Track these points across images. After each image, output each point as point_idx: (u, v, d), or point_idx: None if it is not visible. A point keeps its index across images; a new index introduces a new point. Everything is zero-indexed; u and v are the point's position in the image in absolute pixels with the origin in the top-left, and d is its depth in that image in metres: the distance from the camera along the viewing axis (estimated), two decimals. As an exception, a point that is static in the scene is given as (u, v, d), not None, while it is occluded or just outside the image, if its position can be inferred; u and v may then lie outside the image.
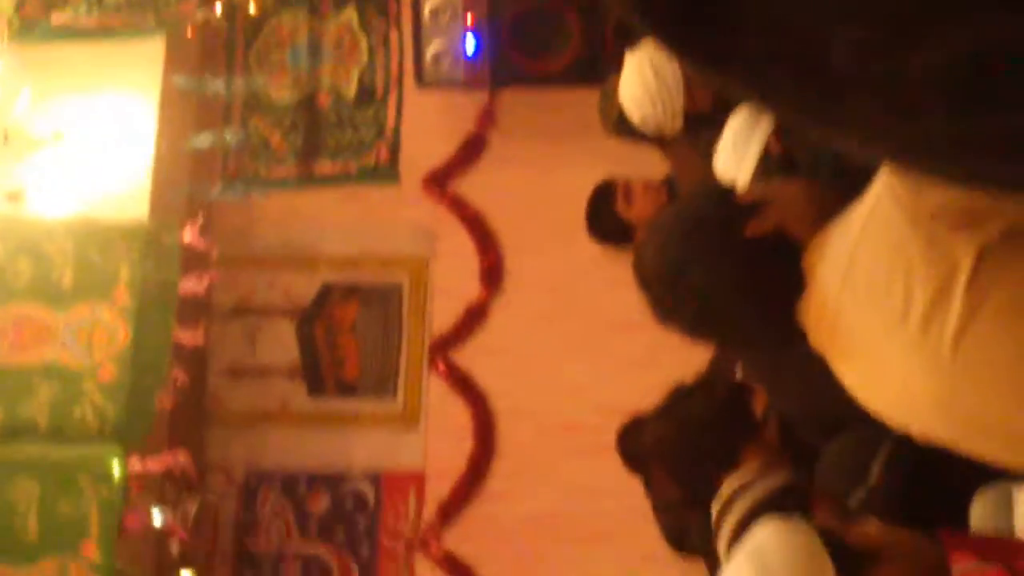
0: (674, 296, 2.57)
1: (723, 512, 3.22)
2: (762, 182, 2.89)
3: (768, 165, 3.77)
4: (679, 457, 3.65)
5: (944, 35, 1.21)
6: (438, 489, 6.03)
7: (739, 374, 4.40)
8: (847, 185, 2.32)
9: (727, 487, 3.27)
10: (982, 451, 2.22)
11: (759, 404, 3.77)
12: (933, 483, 3.27)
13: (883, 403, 2.30)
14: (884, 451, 3.39)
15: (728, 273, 2.38)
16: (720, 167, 3.89)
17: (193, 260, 5.65)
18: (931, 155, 1.40)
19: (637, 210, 5.03)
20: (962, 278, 1.98)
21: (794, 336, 2.38)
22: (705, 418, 3.56)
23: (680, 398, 3.66)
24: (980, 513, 3.20)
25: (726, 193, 2.55)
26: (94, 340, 5.29)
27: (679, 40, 1.33)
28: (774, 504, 2.97)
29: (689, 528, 4.61)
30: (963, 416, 2.13)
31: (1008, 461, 2.24)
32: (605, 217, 5.34)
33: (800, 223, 2.36)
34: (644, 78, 4.37)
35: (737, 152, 3.84)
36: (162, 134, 5.73)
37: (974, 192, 2.00)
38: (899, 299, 2.06)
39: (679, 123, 4.20)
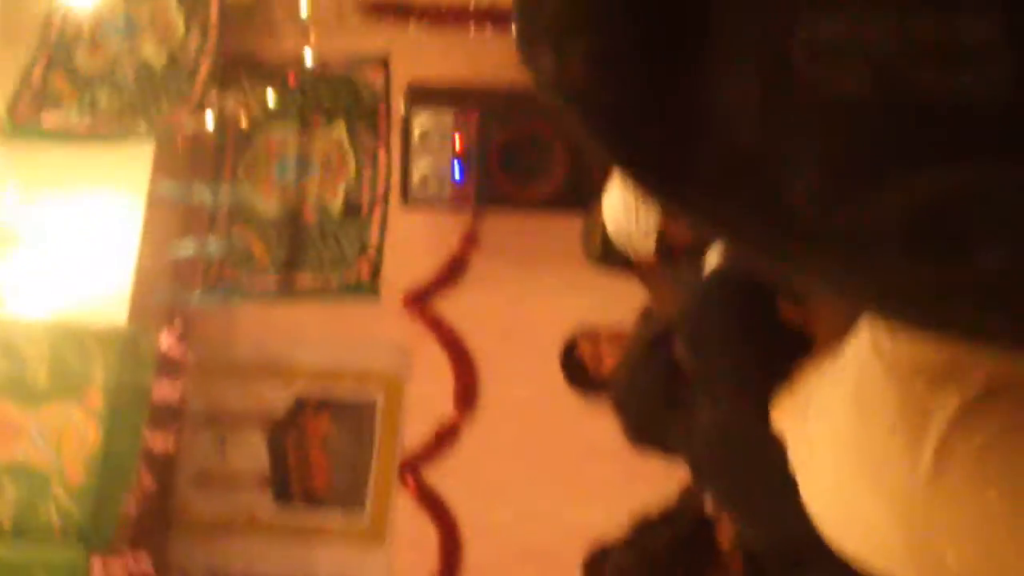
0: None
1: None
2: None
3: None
4: None
5: (903, 183, 1.22)
6: (402, 607, 5.99)
7: (708, 505, 4.40)
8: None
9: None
10: None
11: (725, 537, 3.76)
12: None
13: (847, 538, 2.30)
14: None
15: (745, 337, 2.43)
16: None
17: (168, 366, 5.64)
18: (896, 304, 1.41)
19: (608, 365, 5.08)
20: (933, 433, 1.98)
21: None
22: (668, 550, 3.54)
23: (644, 529, 3.65)
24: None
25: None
26: (64, 441, 5.27)
27: (628, 155, 1.33)
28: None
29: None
30: (927, 562, 2.13)
31: None
32: (579, 376, 5.43)
33: (827, 330, 2.39)
34: (624, 187, 4.40)
35: None
36: (146, 239, 5.74)
37: (954, 343, 2.01)
38: (870, 444, 2.07)
39: (651, 243, 4.21)
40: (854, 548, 2.27)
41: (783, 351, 2.41)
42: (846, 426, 2.11)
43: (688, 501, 4.58)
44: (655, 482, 4.78)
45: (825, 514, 2.29)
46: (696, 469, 3.39)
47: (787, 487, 2.52)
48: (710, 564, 3.55)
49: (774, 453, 2.37)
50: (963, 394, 1.97)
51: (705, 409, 3.04)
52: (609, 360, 5.07)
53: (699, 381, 2.91)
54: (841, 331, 2.27)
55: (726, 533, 3.71)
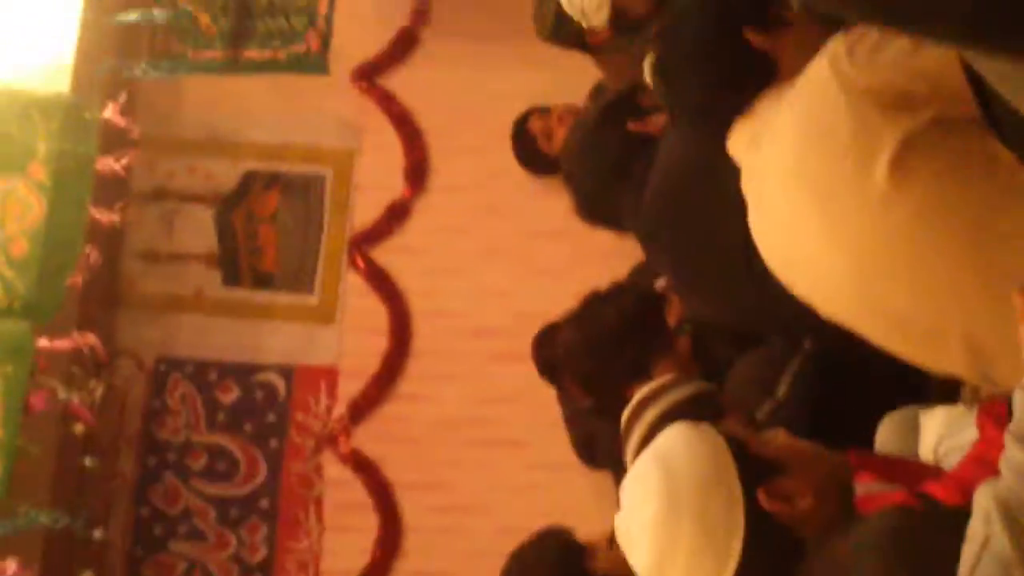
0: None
1: (632, 419, 3.21)
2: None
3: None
4: (587, 366, 3.65)
5: None
6: (350, 387, 6.00)
7: (660, 284, 4.39)
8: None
9: (638, 395, 3.26)
10: (875, 334, 2.21)
11: (674, 315, 3.76)
12: (839, 402, 3.28)
13: (791, 267, 2.28)
14: (792, 367, 3.40)
15: (714, 50, 2.43)
16: None
17: (113, 139, 5.55)
18: None
19: (559, 142, 5.04)
20: (884, 159, 1.96)
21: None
22: (614, 327, 3.55)
23: (591, 306, 3.66)
24: (886, 435, 3.22)
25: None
26: (7, 213, 5.19)
27: None
28: (684, 412, 2.96)
29: (598, 439, 4.62)
30: (862, 292, 2.12)
31: (895, 348, 2.23)
32: (530, 153, 5.40)
33: (790, 64, 2.36)
34: None
35: None
36: (88, 6, 5.61)
37: (915, 76, 1.98)
38: (821, 166, 2.04)
39: (604, 15, 4.12)
40: (802, 286, 2.25)
41: (748, 73, 2.39)
42: (798, 151, 2.09)
43: (637, 279, 4.58)
44: (607, 261, 4.79)
45: (775, 250, 2.27)
46: (647, 238, 3.37)
47: (738, 253, 2.50)
48: (657, 341, 3.55)
49: (728, 192, 2.34)
50: (915, 120, 1.96)
51: (660, 167, 3.01)
52: (560, 137, 5.03)
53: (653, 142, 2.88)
54: (804, 63, 2.25)
55: (675, 310, 3.71)
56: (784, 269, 2.26)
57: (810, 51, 2.24)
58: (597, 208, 3.51)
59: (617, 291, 3.72)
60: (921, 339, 2.14)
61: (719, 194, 2.53)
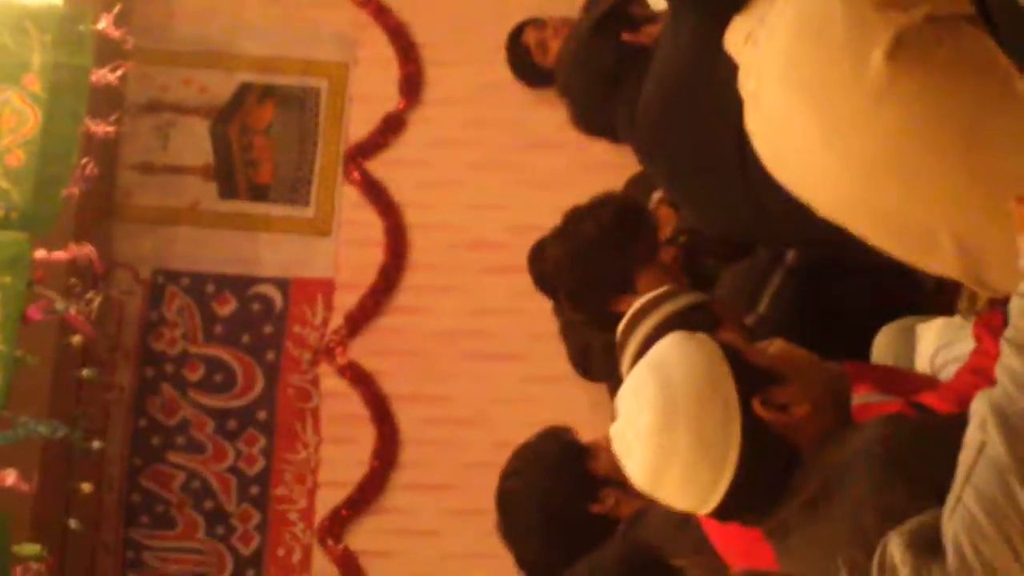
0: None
1: (628, 329, 3.23)
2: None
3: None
4: (571, 280, 3.67)
5: None
6: (346, 299, 6.01)
7: (656, 195, 4.39)
8: None
9: (634, 305, 3.27)
10: (868, 232, 2.20)
11: (667, 226, 3.77)
12: (819, 319, 3.29)
13: (784, 165, 2.28)
14: (773, 283, 3.42)
15: None
16: None
17: (108, 51, 5.52)
18: None
19: (554, 54, 5.02)
20: (879, 55, 1.96)
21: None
22: (594, 241, 3.57)
23: (572, 221, 3.67)
24: (883, 346, 3.24)
25: None
26: (2, 125, 5.17)
27: None
28: (680, 322, 2.97)
29: (592, 351, 4.64)
30: (854, 190, 2.12)
31: (885, 245, 2.22)
32: (525, 65, 5.39)
33: None
34: None
35: None
36: (82, -86, 5.56)
37: None
38: (815, 63, 2.04)
39: None
40: (796, 184, 2.25)
41: None
42: (792, 48, 2.08)
43: (633, 190, 4.59)
44: (603, 172, 4.78)
45: (769, 148, 2.26)
46: (643, 149, 3.36)
47: (733, 162, 2.50)
48: (639, 252, 3.56)
49: (724, 98, 2.33)
50: (909, 16, 1.95)
51: (654, 76, 2.99)
52: (555, 48, 5.01)
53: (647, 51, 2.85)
54: None
55: (668, 221, 3.72)
56: (778, 167, 2.26)
57: None
58: (592, 119, 3.50)
59: (596, 204, 3.73)
60: (914, 238, 2.13)
61: (714, 101, 2.52)
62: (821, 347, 2.40)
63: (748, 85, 2.23)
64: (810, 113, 2.08)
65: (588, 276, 3.59)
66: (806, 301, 3.48)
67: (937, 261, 2.14)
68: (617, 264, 3.54)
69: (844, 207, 2.17)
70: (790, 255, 3.63)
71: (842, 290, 3.46)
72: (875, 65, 1.97)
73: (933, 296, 3.34)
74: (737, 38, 2.28)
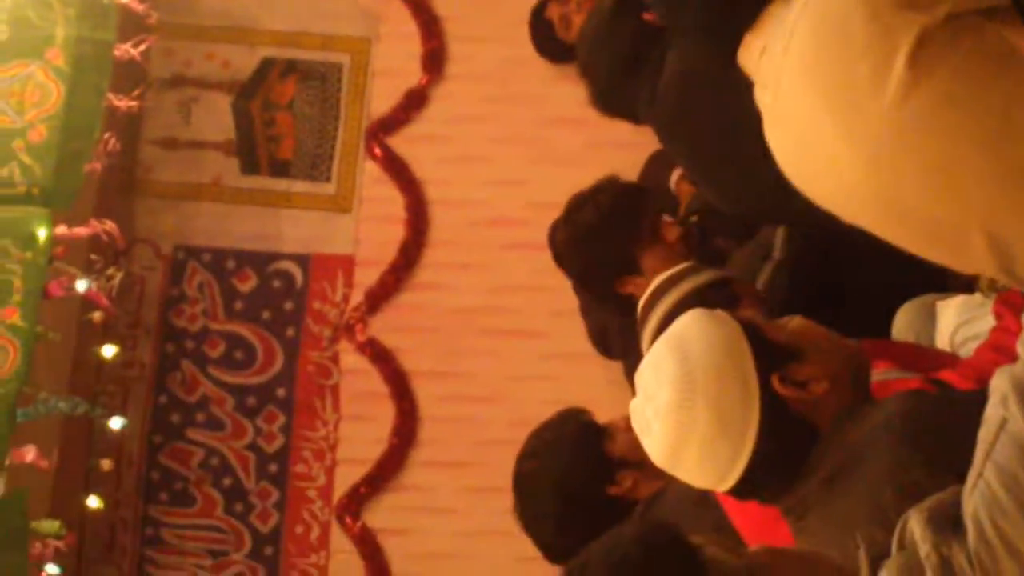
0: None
1: (648, 306, 3.22)
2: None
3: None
4: (576, 264, 3.70)
5: None
6: (367, 275, 6.00)
7: (676, 176, 4.39)
8: None
9: (654, 282, 3.27)
10: (899, 236, 2.20)
11: (682, 206, 3.77)
12: (836, 257, 3.27)
13: (809, 178, 2.27)
14: (783, 230, 3.42)
15: None
16: None
17: (131, 25, 5.52)
18: None
19: (576, 30, 5.00)
20: (901, 57, 1.95)
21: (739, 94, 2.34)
22: (593, 225, 3.60)
23: (573, 206, 3.70)
24: (903, 323, 3.23)
25: None
26: (25, 99, 5.18)
27: None
28: (700, 300, 2.96)
29: (609, 330, 4.63)
30: (883, 195, 2.11)
31: (918, 249, 2.22)
32: (547, 40, 5.37)
33: None
34: None
35: None
36: None
37: None
38: (836, 71, 2.02)
39: None
40: (822, 194, 2.24)
41: None
42: (812, 55, 2.06)
43: (654, 168, 4.58)
44: (623, 149, 4.77)
45: (791, 160, 2.25)
46: (663, 128, 3.36)
47: (756, 138, 2.48)
48: (639, 233, 3.57)
49: (740, 102, 2.32)
50: (930, 16, 1.94)
51: (674, 61, 2.98)
52: (578, 24, 5.00)
53: (669, 31, 2.83)
54: None
55: (687, 196, 3.71)
56: (802, 179, 2.25)
57: None
58: (612, 100, 3.50)
59: (595, 189, 3.75)
60: (946, 238, 2.12)
61: (736, 80, 2.50)
62: (836, 326, 2.38)
63: (765, 98, 2.22)
64: (833, 120, 2.07)
65: (591, 260, 3.62)
66: (821, 241, 3.46)
67: (969, 259, 2.13)
68: (619, 247, 3.56)
69: (873, 213, 2.16)
70: (776, 249, 3.62)
71: (840, 275, 3.44)
72: (898, 69, 1.96)
73: (952, 274, 3.33)
74: (751, 54, 2.26)
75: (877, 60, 1.96)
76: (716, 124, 2.81)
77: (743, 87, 2.33)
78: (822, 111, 2.06)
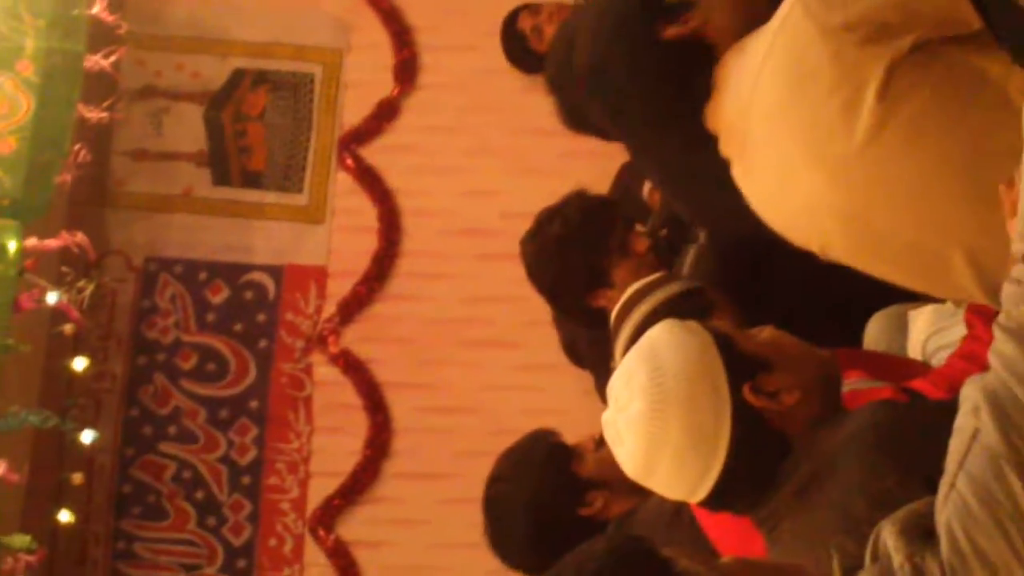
0: (589, 96, 2.54)
1: (621, 316, 3.21)
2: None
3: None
4: (545, 278, 3.68)
5: None
6: (340, 286, 5.99)
7: (648, 185, 4.38)
8: None
9: (627, 292, 3.26)
10: (878, 268, 2.21)
11: (653, 218, 3.76)
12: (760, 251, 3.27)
13: (786, 218, 2.28)
14: (690, 256, 3.43)
15: (645, 74, 2.35)
16: None
17: (101, 36, 5.50)
18: None
19: (548, 40, 4.99)
20: (871, 92, 1.96)
21: (705, 138, 2.35)
22: (561, 238, 3.58)
23: (541, 221, 3.69)
24: (874, 332, 3.23)
25: None
26: (-6, 111, 5.16)
27: None
28: (673, 309, 2.95)
29: (579, 342, 4.63)
30: (861, 229, 2.12)
31: (902, 280, 2.23)
32: (520, 50, 5.37)
33: (721, 30, 2.33)
34: None
35: None
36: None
37: (884, 6, 1.98)
38: (806, 111, 2.04)
39: None
40: (800, 235, 2.25)
41: (690, 65, 2.34)
42: (782, 99, 2.07)
43: (625, 178, 4.57)
44: (596, 159, 4.76)
45: (769, 204, 2.26)
46: (634, 149, 3.35)
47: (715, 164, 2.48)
48: (608, 246, 3.56)
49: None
50: (895, 49, 1.95)
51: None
52: (550, 34, 4.99)
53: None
54: (738, 27, 2.24)
55: (656, 200, 3.70)
56: (780, 221, 2.25)
57: (734, 11, 2.25)
58: (581, 118, 3.49)
59: (563, 203, 3.73)
60: (928, 266, 2.13)
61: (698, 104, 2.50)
62: (805, 334, 2.38)
63: (733, 145, 2.23)
64: (808, 161, 2.07)
65: (560, 274, 3.61)
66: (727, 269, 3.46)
67: (951, 283, 2.14)
68: (588, 260, 3.54)
69: (853, 247, 2.17)
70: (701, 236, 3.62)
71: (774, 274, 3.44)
72: (868, 105, 1.96)
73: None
74: (717, 113, 2.27)
75: (846, 97, 1.98)
76: (687, 155, 2.80)
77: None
78: (797, 155, 2.07)
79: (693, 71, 2.30)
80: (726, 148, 2.29)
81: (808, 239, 2.26)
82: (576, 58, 2.53)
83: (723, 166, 2.42)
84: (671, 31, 2.33)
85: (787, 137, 2.10)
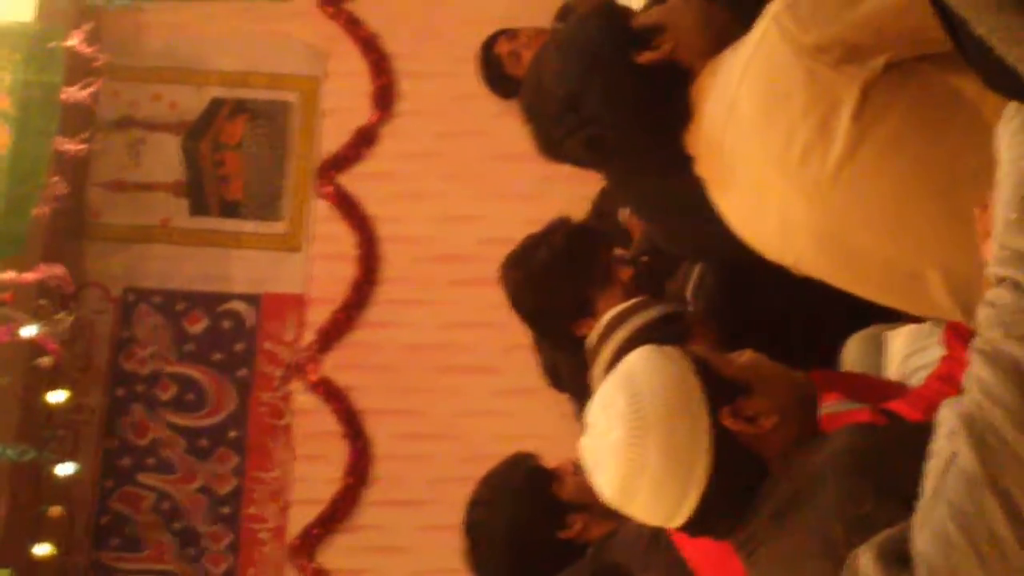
0: (565, 125, 2.54)
1: (600, 341, 3.20)
2: (657, 5, 2.84)
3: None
4: (529, 306, 3.66)
5: None
6: (318, 314, 5.98)
7: (624, 213, 4.37)
8: (744, 11, 2.29)
9: (606, 316, 3.25)
10: (854, 286, 2.21)
11: (633, 246, 3.75)
12: (750, 300, 3.27)
13: (762, 235, 2.28)
14: (695, 276, 3.43)
15: (623, 101, 2.36)
16: None
17: (78, 68, 5.50)
18: None
19: (526, 66, 4.99)
20: (846, 112, 1.96)
21: (683, 162, 2.35)
22: (547, 265, 3.56)
23: (526, 247, 3.67)
24: (852, 354, 3.23)
25: (620, 18, 2.51)
26: (-29, 143, 5.15)
27: None
28: (652, 334, 2.94)
29: (560, 368, 4.62)
30: (837, 248, 2.12)
31: (879, 297, 2.24)
32: (497, 76, 5.36)
33: (693, 52, 2.34)
34: None
35: None
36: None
37: (857, 28, 1.99)
38: (781, 131, 2.04)
39: None
40: (779, 253, 2.25)
41: (668, 88, 2.35)
42: (757, 120, 2.08)
43: (603, 204, 4.57)
44: (574, 184, 4.76)
45: (744, 222, 2.27)
46: (611, 179, 3.35)
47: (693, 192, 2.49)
48: (594, 275, 3.55)
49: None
50: (869, 69, 1.96)
51: None
52: (528, 59, 4.98)
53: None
54: (710, 46, 2.25)
55: (639, 231, 3.69)
56: (757, 240, 2.26)
57: (696, 22, 2.27)
58: (557, 148, 3.48)
59: (548, 230, 3.71)
60: (905, 286, 2.14)
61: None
62: (783, 355, 2.38)
63: (711, 167, 2.24)
64: (784, 181, 2.08)
65: (544, 303, 3.58)
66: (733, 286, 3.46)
67: (930, 302, 2.14)
68: (573, 289, 3.52)
69: (831, 266, 2.17)
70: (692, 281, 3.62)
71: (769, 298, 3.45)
72: (844, 125, 1.97)
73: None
74: (696, 145, 2.27)
75: (821, 117, 1.99)
76: (663, 185, 2.80)
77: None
78: (770, 173, 2.08)
79: (671, 94, 2.31)
80: (703, 168, 2.30)
81: (782, 255, 2.26)
82: (548, 90, 2.53)
83: (700, 193, 2.42)
84: (645, 56, 2.33)
85: (762, 157, 2.11)
